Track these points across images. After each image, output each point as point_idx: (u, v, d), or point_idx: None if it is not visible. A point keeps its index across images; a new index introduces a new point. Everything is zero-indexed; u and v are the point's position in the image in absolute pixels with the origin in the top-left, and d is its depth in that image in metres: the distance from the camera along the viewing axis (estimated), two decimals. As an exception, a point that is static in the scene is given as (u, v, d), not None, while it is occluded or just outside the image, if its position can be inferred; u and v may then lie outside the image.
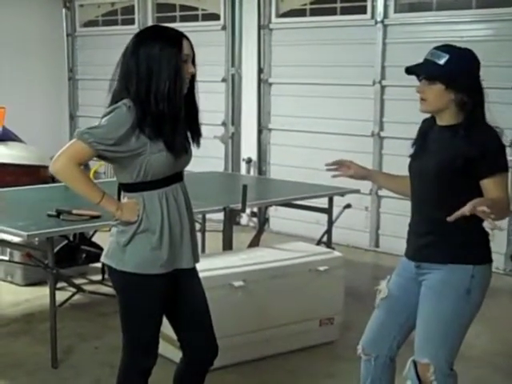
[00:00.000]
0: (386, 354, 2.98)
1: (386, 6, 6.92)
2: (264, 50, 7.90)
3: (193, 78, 2.71)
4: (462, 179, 2.71)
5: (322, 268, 4.40)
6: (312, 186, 5.84)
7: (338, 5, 7.36)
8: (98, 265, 5.22)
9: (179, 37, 2.66)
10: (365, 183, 4.06)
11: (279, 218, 7.59)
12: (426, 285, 2.82)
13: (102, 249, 4.97)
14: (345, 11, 7.30)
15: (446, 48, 2.75)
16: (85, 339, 4.60)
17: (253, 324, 4.18)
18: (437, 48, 2.76)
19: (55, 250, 4.48)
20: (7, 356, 4.34)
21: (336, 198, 5.67)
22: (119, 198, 2.79)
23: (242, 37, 8.04)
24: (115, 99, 2.66)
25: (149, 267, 2.70)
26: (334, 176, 3.12)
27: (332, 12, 7.41)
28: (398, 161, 3.20)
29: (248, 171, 8.07)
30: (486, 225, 2.67)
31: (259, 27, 7.86)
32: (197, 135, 2.81)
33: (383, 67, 6.99)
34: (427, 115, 2.89)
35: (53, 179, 5.17)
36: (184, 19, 8.55)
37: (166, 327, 2.95)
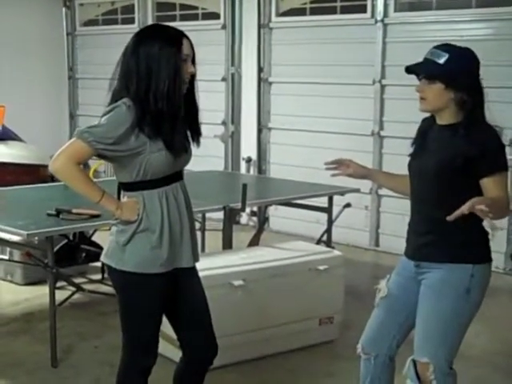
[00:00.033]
0: (386, 353, 2.98)
1: (385, 5, 6.92)
2: (264, 49, 7.89)
3: (193, 77, 2.71)
4: (461, 178, 2.71)
5: (321, 267, 4.40)
6: (312, 185, 5.84)
7: (338, 4, 7.36)
8: (98, 264, 5.22)
9: (179, 36, 2.66)
10: (365, 182, 4.06)
11: (279, 217, 7.59)
12: (426, 284, 2.82)
13: (101, 248, 4.97)
14: (345, 10, 7.31)
15: (445, 47, 2.75)
16: (84, 338, 4.60)
17: (252, 323, 4.18)
18: (436, 47, 2.76)
19: (55, 249, 4.48)
20: (7, 355, 4.34)
21: (336, 197, 5.67)
22: (119, 197, 2.79)
23: (242, 36, 8.04)
24: (115, 98, 2.66)
25: (148, 266, 2.70)
26: (334, 175, 3.12)
27: (332, 11, 7.41)
28: (398, 160, 3.20)
29: (248, 170, 8.07)
30: (486, 224, 2.67)
31: (259, 26, 7.86)
32: (197, 134, 2.81)
33: (383, 66, 6.99)
34: (427, 114, 2.89)
35: (52, 178, 5.16)
36: (184, 18, 8.55)
37: (166, 326, 2.95)
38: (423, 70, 2.77)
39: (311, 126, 7.49)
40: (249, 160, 8.07)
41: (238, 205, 4.80)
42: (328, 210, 5.63)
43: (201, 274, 2.93)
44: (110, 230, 2.83)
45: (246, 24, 7.98)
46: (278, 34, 7.82)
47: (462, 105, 2.71)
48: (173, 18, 8.57)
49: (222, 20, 8.21)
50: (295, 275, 4.33)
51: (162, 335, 2.92)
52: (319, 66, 7.45)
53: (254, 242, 5.56)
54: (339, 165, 3.09)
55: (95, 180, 3.14)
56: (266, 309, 4.23)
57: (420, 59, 2.80)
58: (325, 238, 5.66)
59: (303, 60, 7.55)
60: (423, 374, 2.79)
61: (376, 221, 7.22)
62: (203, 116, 2.81)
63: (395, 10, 6.92)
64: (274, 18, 7.82)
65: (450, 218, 2.51)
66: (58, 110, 9.89)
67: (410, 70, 2.80)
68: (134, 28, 8.30)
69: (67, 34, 9.89)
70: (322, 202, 5.74)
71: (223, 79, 8.23)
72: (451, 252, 2.76)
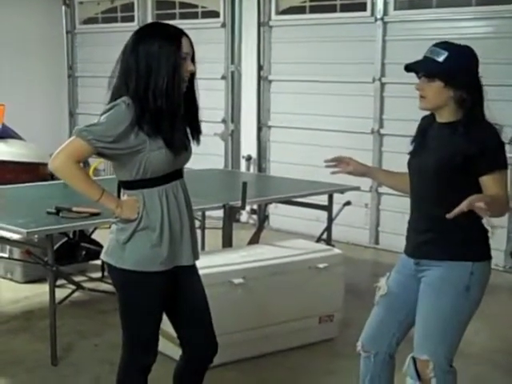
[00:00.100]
0: (386, 351, 2.98)
1: (385, 3, 6.92)
2: (264, 47, 7.89)
3: (192, 75, 2.71)
4: (461, 176, 2.71)
5: (321, 265, 4.40)
6: (312, 183, 5.84)
7: (338, 2, 7.36)
8: (98, 262, 5.21)
9: (178, 34, 2.66)
10: (365, 180, 4.07)
11: (279, 215, 7.60)
12: (425, 282, 2.82)
13: (101, 246, 4.97)
14: (345, 8, 7.31)
15: (445, 45, 2.75)
16: (84, 336, 4.60)
17: (252, 321, 4.18)
18: (436, 45, 2.76)
19: (55, 247, 4.48)
20: (7, 353, 4.34)
21: (336, 195, 5.67)
22: (119, 196, 2.79)
23: (242, 34, 8.04)
24: (114, 96, 2.66)
25: (148, 264, 2.70)
26: (333, 173, 3.12)
27: (332, 9, 7.41)
28: (398, 158, 3.20)
29: (248, 168, 8.07)
30: (485, 222, 2.67)
31: (259, 24, 7.86)
32: (197, 132, 2.81)
33: (383, 64, 6.99)
34: (427, 112, 2.89)
35: (52, 176, 5.16)
36: (184, 16, 8.54)
37: (166, 324, 2.95)
38: (423, 68, 2.77)
39: (311, 124, 7.49)
40: (249, 158, 8.07)
41: (238, 203, 4.80)
42: (328, 208, 5.63)
43: (201, 272, 2.93)
44: (110, 228, 2.82)
45: (245, 22, 7.98)
46: (277, 32, 7.81)
47: (462, 103, 2.71)
48: (172, 16, 8.56)
49: (221, 18, 8.21)
50: (295, 273, 4.33)
51: (162, 333, 2.92)
52: (319, 64, 7.45)
53: (254, 240, 5.56)
54: (339, 162, 3.09)
55: (95, 178, 3.14)
56: (265, 307, 4.23)
57: (420, 57, 2.80)
58: (325, 236, 5.66)
59: (303, 58, 7.55)
60: (423, 372, 2.80)
61: (376, 219, 7.22)
62: (203, 114, 2.81)
63: (395, 8, 6.92)
64: (273, 16, 7.82)
65: (449, 215, 2.51)
66: (57, 108, 9.89)
67: (409, 68, 2.80)
68: (134, 26, 8.29)
69: (67, 32, 9.88)
70: (322, 200, 5.74)
71: (223, 77, 8.23)
72: (451, 250, 2.76)
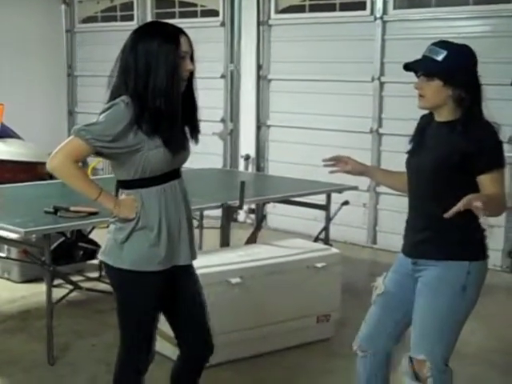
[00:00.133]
0: (382, 351, 2.98)
1: (385, 3, 6.92)
2: (263, 46, 7.88)
3: (191, 74, 2.70)
4: (458, 175, 2.70)
5: (319, 265, 4.39)
6: (310, 183, 5.83)
7: (337, 1, 7.36)
8: (96, 262, 5.21)
9: (177, 33, 2.65)
10: (363, 180, 4.06)
11: (277, 214, 7.59)
12: (422, 281, 2.82)
13: (99, 246, 4.97)
14: (344, 7, 7.30)
15: (443, 44, 2.75)
16: (81, 336, 4.59)
17: (249, 321, 4.17)
18: (435, 44, 2.76)
19: (52, 246, 4.46)
20: (3, 353, 4.33)
21: (334, 195, 5.66)
22: (117, 195, 2.78)
23: (241, 33, 8.03)
24: (114, 95, 2.66)
25: (146, 264, 2.69)
26: (332, 172, 3.11)
27: (331, 8, 7.40)
28: (397, 157, 3.19)
29: (246, 168, 8.06)
30: (483, 221, 2.67)
31: (258, 23, 7.85)
32: (195, 132, 2.80)
33: (382, 63, 6.98)
34: (425, 112, 2.89)
35: (50, 176, 5.14)
36: (183, 15, 8.53)
37: (164, 324, 2.95)
38: (421, 67, 2.76)
39: (310, 124, 7.48)
40: (247, 157, 8.06)
41: (236, 202, 4.79)
42: (326, 208, 5.62)
43: (198, 271, 2.93)
44: (107, 227, 2.82)
45: (245, 21, 7.97)
46: (277, 31, 7.81)
47: (460, 102, 2.71)
48: (172, 15, 8.55)
49: (221, 17, 8.21)
50: (293, 273, 4.32)
51: (160, 333, 2.92)
52: (318, 64, 7.44)
53: (252, 240, 5.55)
54: (337, 162, 3.09)
55: (94, 177, 3.13)
56: (263, 306, 4.22)
57: (419, 56, 2.80)
58: (323, 235, 5.65)
59: (302, 57, 7.54)
60: (420, 371, 2.79)
61: (374, 218, 7.22)
62: (202, 113, 2.81)
63: (394, 8, 6.92)
64: (273, 15, 7.82)
65: (446, 214, 2.51)
66: (56, 107, 9.87)
67: (408, 67, 2.80)
68: (133, 25, 8.26)
69: (66, 31, 9.87)
70: (320, 199, 5.73)
71: (222, 76, 8.22)
72: (448, 249, 2.76)
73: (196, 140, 2.81)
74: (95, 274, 5.49)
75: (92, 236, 5.62)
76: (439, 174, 2.74)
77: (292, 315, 4.32)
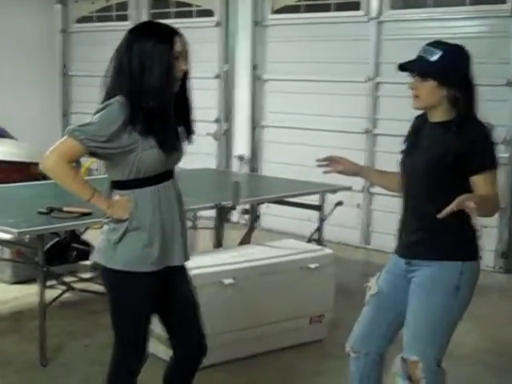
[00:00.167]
0: (375, 351, 2.97)
1: (379, 3, 6.91)
2: (258, 46, 7.87)
3: (185, 74, 2.69)
4: (452, 176, 2.70)
5: (312, 265, 4.39)
6: (304, 183, 5.83)
7: (333, 1, 7.36)
8: (89, 262, 5.18)
9: (172, 33, 2.65)
10: (357, 180, 4.04)
11: (271, 215, 7.57)
12: (415, 282, 2.81)
13: (92, 246, 4.94)
14: (339, 8, 7.31)
15: (438, 44, 2.75)
16: (75, 337, 4.57)
17: (243, 321, 4.16)
18: (429, 44, 2.76)
19: (45, 247, 4.44)
20: (-4, 354, 4.32)
21: (328, 195, 5.65)
22: (110, 196, 2.76)
23: (236, 33, 8.02)
24: (108, 95, 2.65)
25: (139, 265, 2.68)
26: (326, 172, 3.11)
27: (326, 8, 7.41)
28: (391, 158, 3.18)
29: (240, 168, 8.04)
30: (475, 221, 2.66)
31: (253, 23, 7.84)
32: (189, 132, 2.80)
33: (377, 64, 6.99)
34: (420, 112, 2.88)
35: (44, 176, 5.12)
36: (178, 15, 8.53)
37: (157, 325, 2.93)
38: (416, 68, 2.76)
39: (304, 124, 7.48)
40: (241, 158, 8.04)
41: (230, 203, 4.78)
42: (320, 208, 5.62)
43: (191, 272, 2.93)
44: (101, 228, 2.81)
45: (240, 21, 7.97)
46: (272, 31, 7.81)
47: (455, 102, 2.71)
48: (167, 16, 8.54)
49: (216, 17, 8.20)
50: (286, 273, 4.32)
51: (153, 334, 2.90)
52: (313, 64, 7.44)
53: (246, 240, 5.54)
54: (331, 162, 3.08)
55: (87, 178, 3.11)
56: (256, 307, 4.21)
57: (413, 57, 2.79)
58: (316, 236, 5.64)
59: (297, 57, 7.54)
60: (413, 372, 2.78)
61: (367, 219, 7.22)
62: (196, 114, 2.80)
63: (389, 8, 6.92)
64: (268, 16, 7.81)
65: (440, 215, 2.51)
66: (51, 107, 9.84)
67: (403, 67, 2.79)
68: (129, 25, 8.14)
69: (61, 31, 9.84)
70: (314, 200, 5.72)
71: (217, 76, 8.21)
72: (441, 250, 2.76)
73: (190, 140, 2.81)
74: (88, 275, 5.47)
75: (85, 237, 5.59)
76: (432, 174, 2.73)
77: (285, 316, 4.31)
